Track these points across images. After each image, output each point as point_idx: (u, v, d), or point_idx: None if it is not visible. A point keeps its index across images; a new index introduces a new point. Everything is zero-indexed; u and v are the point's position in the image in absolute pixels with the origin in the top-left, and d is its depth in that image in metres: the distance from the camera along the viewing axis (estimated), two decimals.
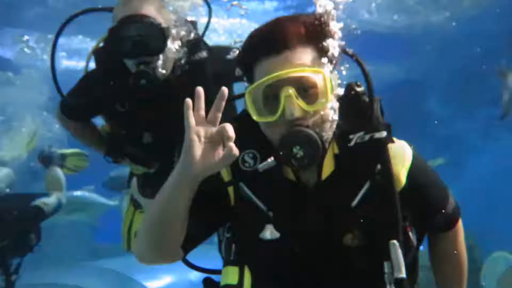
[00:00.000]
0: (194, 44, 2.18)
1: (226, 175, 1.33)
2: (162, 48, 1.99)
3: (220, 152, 1.11)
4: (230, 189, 1.32)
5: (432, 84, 10.42)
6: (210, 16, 2.39)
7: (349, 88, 1.31)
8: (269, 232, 1.27)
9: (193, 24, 2.25)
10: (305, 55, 1.18)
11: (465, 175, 10.34)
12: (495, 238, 7.15)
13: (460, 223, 1.49)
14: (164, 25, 1.99)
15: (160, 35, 1.97)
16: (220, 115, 1.13)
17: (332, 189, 1.27)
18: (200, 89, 1.12)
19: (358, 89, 1.30)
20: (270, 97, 1.19)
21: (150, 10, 1.97)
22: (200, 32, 2.32)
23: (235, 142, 1.11)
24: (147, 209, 1.24)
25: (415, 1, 7.23)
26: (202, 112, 1.13)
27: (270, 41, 1.19)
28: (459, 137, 10.61)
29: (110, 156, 2.41)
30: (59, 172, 4.61)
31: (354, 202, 1.25)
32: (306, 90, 1.18)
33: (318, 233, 1.27)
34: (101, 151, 2.47)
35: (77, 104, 2.32)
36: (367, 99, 1.28)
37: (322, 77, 1.18)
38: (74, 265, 6.34)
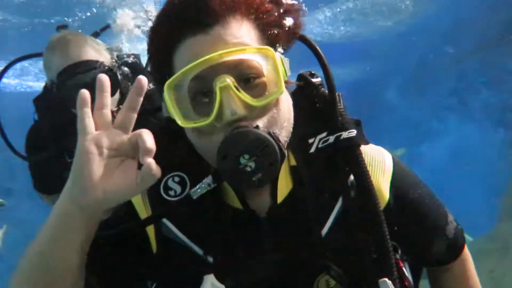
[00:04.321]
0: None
1: (142, 210, 0.98)
2: (116, 87, 1.85)
3: (133, 170, 0.78)
4: (150, 230, 0.97)
5: (388, 80, 11.14)
6: None
7: (301, 79, 1.01)
8: (210, 286, 0.92)
9: (136, 57, 2.13)
10: (244, 31, 0.85)
11: (421, 161, 11.12)
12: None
13: (466, 250, 1.11)
14: (108, 64, 1.87)
15: (110, 75, 1.74)
16: (135, 116, 0.80)
17: (293, 215, 0.94)
18: (103, 76, 0.81)
19: (314, 80, 0.99)
20: (200, 92, 0.85)
21: (90, 54, 1.84)
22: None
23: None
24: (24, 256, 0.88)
25: (360, 13, 7.86)
26: (107, 112, 0.80)
27: (192, 13, 0.83)
28: (414, 125, 11.35)
29: None
30: None
31: (325, 230, 0.93)
32: (248, 79, 0.85)
33: (279, 279, 0.93)
34: None
35: (40, 175, 2.12)
36: (326, 92, 0.97)
37: (270, 59, 0.85)
38: None
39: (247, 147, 0.80)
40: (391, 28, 8.55)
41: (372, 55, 9.73)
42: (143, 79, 0.79)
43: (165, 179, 0.96)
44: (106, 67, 1.83)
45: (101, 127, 0.78)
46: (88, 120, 0.77)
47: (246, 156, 0.80)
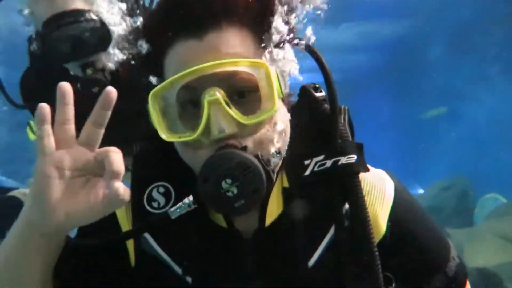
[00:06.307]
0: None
1: (125, 221, 0.94)
2: (107, 41, 1.65)
3: (99, 190, 0.71)
4: (130, 244, 0.92)
5: (432, 38, 10.75)
6: None
7: (303, 93, 0.95)
8: None
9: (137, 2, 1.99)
10: (240, 40, 0.80)
11: (462, 121, 10.91)
12: (487, 182, 7.75)
13: (468, 287, 1.00)
14: (101, 15, 1.64)
15: (101, 28, 1.63)
16: (101, 132, 0.73)
17: (280, 240, 0.89)
18: (64, 85, 0.71)
19: (317, 94, 0.93)
20: (188, 104, 0.81)
21: (77, 2, 1.62)
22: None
23: (139, 173, 0.83)
24: None
25: None
26: (70, 127, 0.72)
27: (187, 15, 0.78)
28: (456, 86, 11.06)
29: None
30: None
31: (313, 260, 0.88)
32: (242, 93, 0.81)
33: None
34: None
35: None
36: (328, 108, 0.90)
37: (265, 74, 0.80)
38: None
39: (230, 171, 0.76)
40: None
41: (417, 11, 9.37)
42: (111, 91, 0.71)
43: (149, 189, 0.91)
44: (95, 18, 1.60)
45: (63, 145, 0.71)
46: (47, 140, 0.70)
47: (228, 181, 0.77)
